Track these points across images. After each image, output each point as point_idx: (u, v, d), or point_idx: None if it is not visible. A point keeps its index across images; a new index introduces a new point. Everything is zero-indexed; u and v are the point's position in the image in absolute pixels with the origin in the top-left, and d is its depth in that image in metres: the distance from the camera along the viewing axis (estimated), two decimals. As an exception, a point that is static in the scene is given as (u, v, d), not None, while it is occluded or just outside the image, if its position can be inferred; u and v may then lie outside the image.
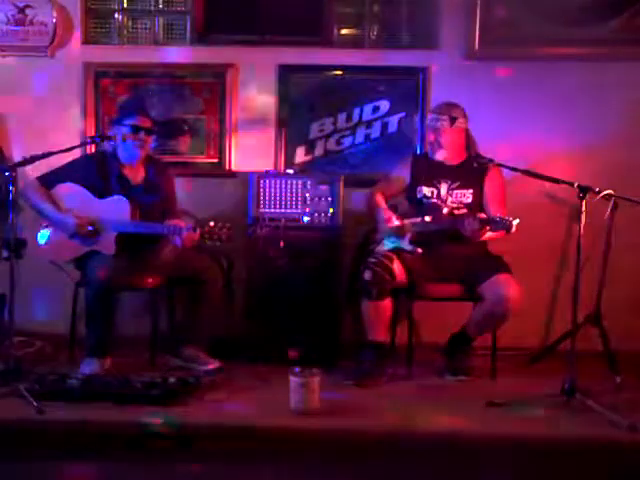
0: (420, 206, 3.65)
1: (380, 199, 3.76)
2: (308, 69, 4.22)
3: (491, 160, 3.45)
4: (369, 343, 3.53)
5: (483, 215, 3.39)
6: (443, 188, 3.66)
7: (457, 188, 3.65)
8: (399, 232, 3.60)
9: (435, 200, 3.65)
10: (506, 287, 3.39)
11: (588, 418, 2.96)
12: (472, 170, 3.56)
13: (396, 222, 3.62)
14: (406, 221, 3.61)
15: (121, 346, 3.60)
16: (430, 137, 3.66)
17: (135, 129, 3.60)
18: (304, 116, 4.23)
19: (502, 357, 3.67)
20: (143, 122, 3.64)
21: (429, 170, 3.70)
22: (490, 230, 3.34)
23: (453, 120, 3.59)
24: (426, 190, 3.68)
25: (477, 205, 3.61)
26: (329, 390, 3.17)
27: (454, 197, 3.64)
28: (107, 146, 3.69)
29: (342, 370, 3.55)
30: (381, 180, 3.90)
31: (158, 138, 4.09)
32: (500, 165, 3.48)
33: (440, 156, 3.64)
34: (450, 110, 3.61)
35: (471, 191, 3.64)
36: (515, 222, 3.20)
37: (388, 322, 3.58)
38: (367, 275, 3.47)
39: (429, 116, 3.70)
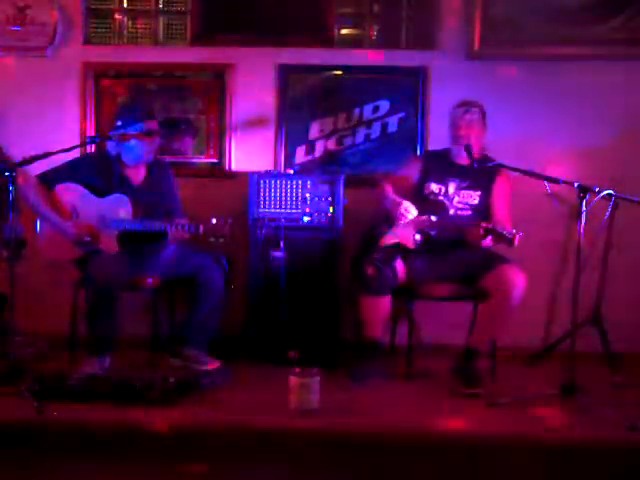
0: (426, 204, 3.62)
1: (389, 190, 3.72)
2: (308, 69, 4.21)
3: (492, 160, 3.44)
4: (366, 340, 3.52)
5: (488, 225, 3.30)
6: (451, 187, 3.64)
7: (465, 188, 3.63)
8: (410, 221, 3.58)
9: (442, 198, 3.63)
10: (512, 274, 3.36)
11: (588, 418, 2.97)
12: (482, 172, 3.54)
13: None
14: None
15: (121, 346, 3.60)
16: (461, 131, 3.56)
17: (148, 133, 3.60)
18: (304, 116, 4.23)
19: (502, 357, 3.67)
20: (153, 125, 3.64)
21: (440, 167, 3.68)
22: (492, 241, 3.31)
23: (484, 115, 3.60)
24: (434, 187, 3.65)
25: (483, 208, 3.59)
26: (329, 390, 3.17)
27: (461, 197, 3.62)
28: (110, 147, 3.68)
29: (342, 370, 3.54)
30: (389, 177, 3.86)
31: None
32: (501, 165, 3.48)
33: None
34: (480, 105, 3.61)
35: (479, 193, 3.62)
36: (518, 236, 3.15)
37: (385, 320, 3.57)
38: (369, 270, 3.46)
39: (459, 109, 3.59)
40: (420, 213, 3.56)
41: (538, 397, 3.15)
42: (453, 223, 3.57)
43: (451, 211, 3.61)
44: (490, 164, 3.44)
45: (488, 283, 3.44)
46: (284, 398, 3.02)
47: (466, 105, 3.60)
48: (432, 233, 3.53)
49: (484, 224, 3.30)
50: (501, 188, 3.63)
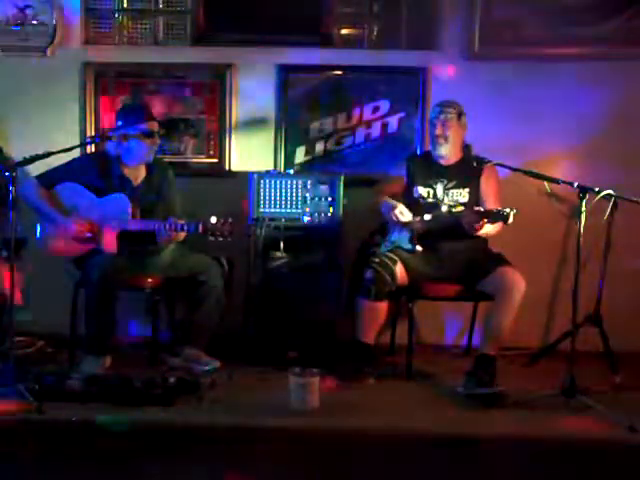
0: (418, 206, 3.65)
1: (382, 195, 3.74)
2: (308, 69, 4.22)
3: (490, 161, 3.45)
4: (358, 343, 3.51)
5: (480, 208, 3.39)
6: (439, 188, 3.66)
7: (453, 188, 3.65)
8: (405, 223, 3.58)
9: (432, 200, 3.65)
10: (513, 277, 3.38)
11: (588, 418, 2.96)
12: (467, 169, 3.57)
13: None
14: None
15: (121, 346, 3.60)
16: (437, 130, 3.60)
17: (150, 134, 3.60)
18: (304, 116, 4.23)
19: (502, 357, 3.67)
20: (154, 126, 3.64)
21: (424, 170, 3.70)
22: (488, 222, 3.33)
23: (459, 115, 3.60)
24: (422, 190, 3.68)
25: (473, 204, 3.61)
26: (329, 390, 3.16)
27: (450, 197, 3.64)
28: (110, 148, 3.68)
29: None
30: (381, 182, 3.89)
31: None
32: (501, 165, 3.48)
33: (444, 150, 3.62)
34: (456, 105, 3.63)
35: (467, 190, 3.64)
36: (512, 212, 3.18)
37: (380, 326, 3.56)
38: (368, 274, 3.47)
39: (435, 109, 3.65)
40: (414, 214, 3.57)
41: (538, 397, 3.15)
42: (447, 216, 3.56)
43: (444, 209, 3.61)
44: (489, 164, 3.44)
45: (489, 285, 3.45)
46: (284, 398, 3.02)
47: (442, 105, 3.64)
48: (426, 230, 3.53)
49: (476, 208, 3.36)
50: (488, 180, 3.65)
